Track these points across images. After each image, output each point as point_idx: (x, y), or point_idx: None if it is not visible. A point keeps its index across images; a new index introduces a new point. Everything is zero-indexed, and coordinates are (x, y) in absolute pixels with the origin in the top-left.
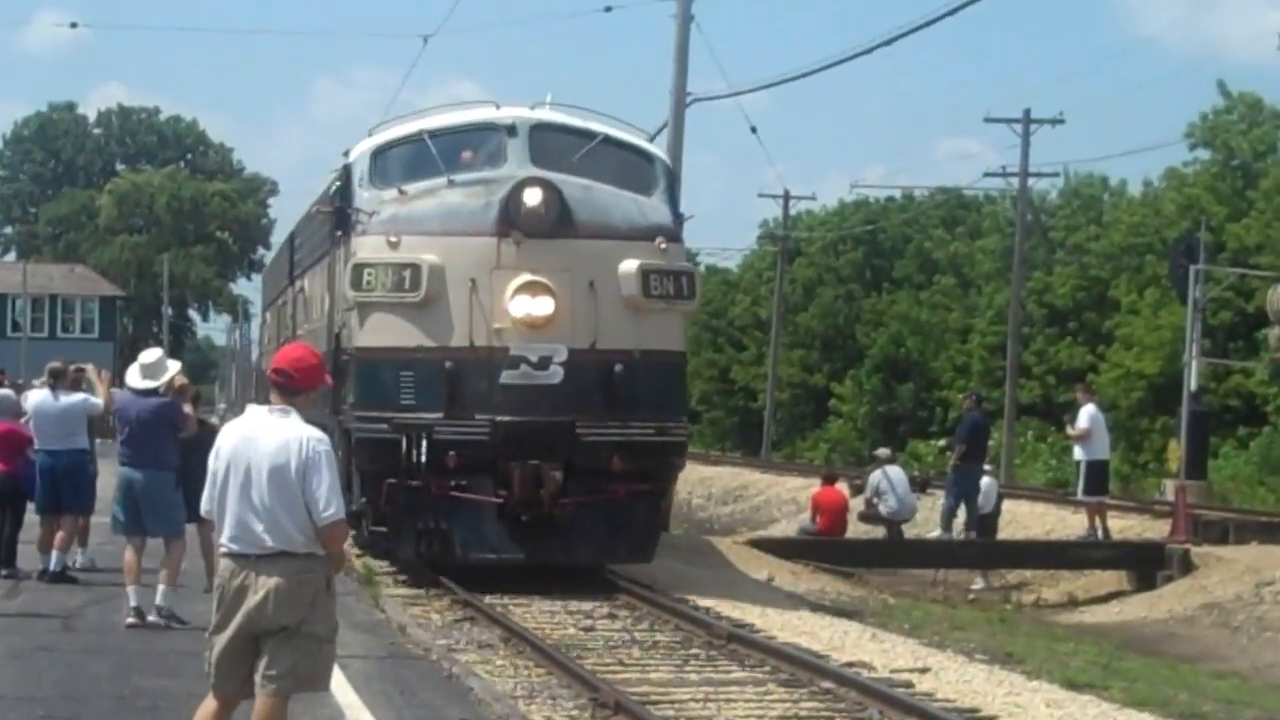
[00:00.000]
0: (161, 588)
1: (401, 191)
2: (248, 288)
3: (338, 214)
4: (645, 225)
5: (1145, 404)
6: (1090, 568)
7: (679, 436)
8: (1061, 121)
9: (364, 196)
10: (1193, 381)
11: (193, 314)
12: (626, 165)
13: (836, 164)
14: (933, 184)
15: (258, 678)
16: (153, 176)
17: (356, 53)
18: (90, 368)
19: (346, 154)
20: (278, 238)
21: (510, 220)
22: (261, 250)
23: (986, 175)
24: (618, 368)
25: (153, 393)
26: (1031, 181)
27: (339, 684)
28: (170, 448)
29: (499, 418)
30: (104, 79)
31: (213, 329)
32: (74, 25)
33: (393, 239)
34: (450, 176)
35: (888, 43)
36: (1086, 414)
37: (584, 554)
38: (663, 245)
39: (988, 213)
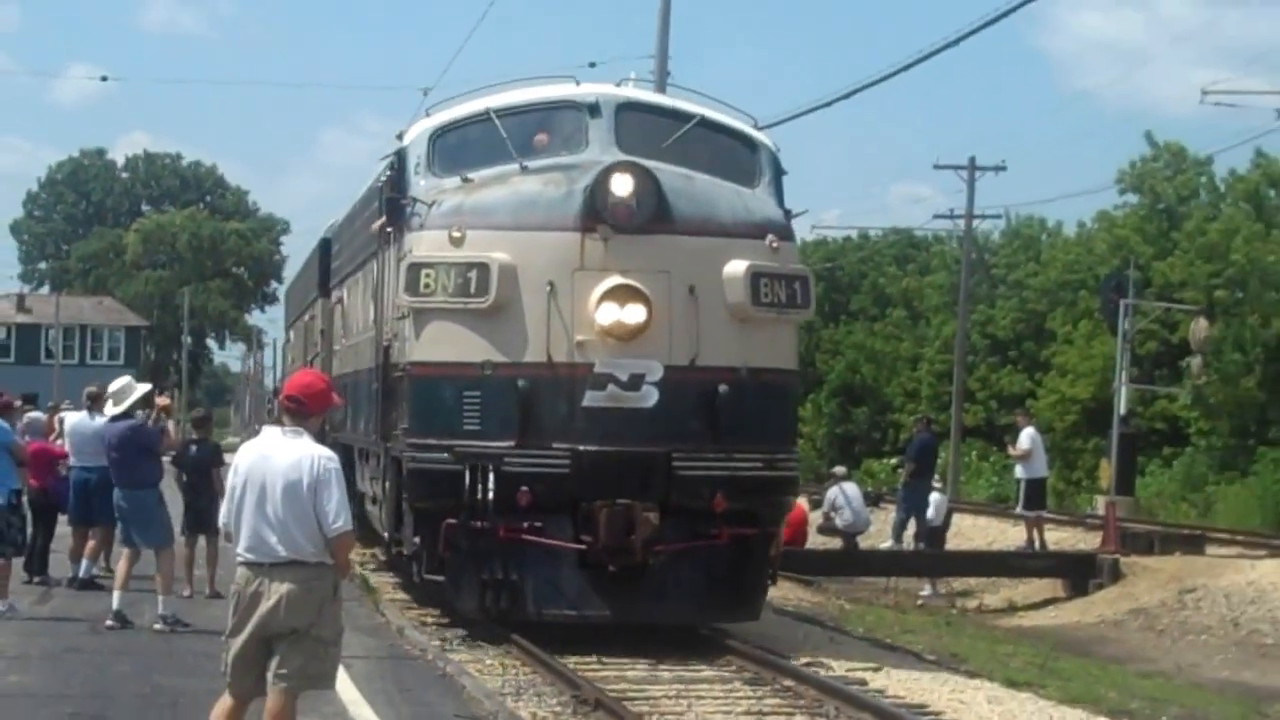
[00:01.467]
0: (160, 598)
1: (466, 179)
2: (261, 319)
3: (389, 205)
4: (754, 221)
5: (1079, 426)
6: (1028, 576)
7: (790, 470)
8: (1004, 168)
9: (421, 185)
10: (1122, 406)
11: (210, 343)
12: (726, 152)
13: (798, 206)
14: (886, 225)
15: (270, 677)
16: (175, 216)
17: (363, 103)
18: None
19: (400, 137)
20: (290, 272)
21: (597, 212)
22: (274, 284)
23: (935, 217)
24: (722, 389)
25: (125, 416)
26: (976, 223)
27: (343, 683)
28: (145, 467)
29: (581, 447)
30: (131, 127)
31: (229, 357)
32: (104, 78)
33: (456, 233)
34: (523, 162)
35: (845, 96)
36: (1027, 435)
37: (681, 611)
38: (774, 244)
39: (936, 251)
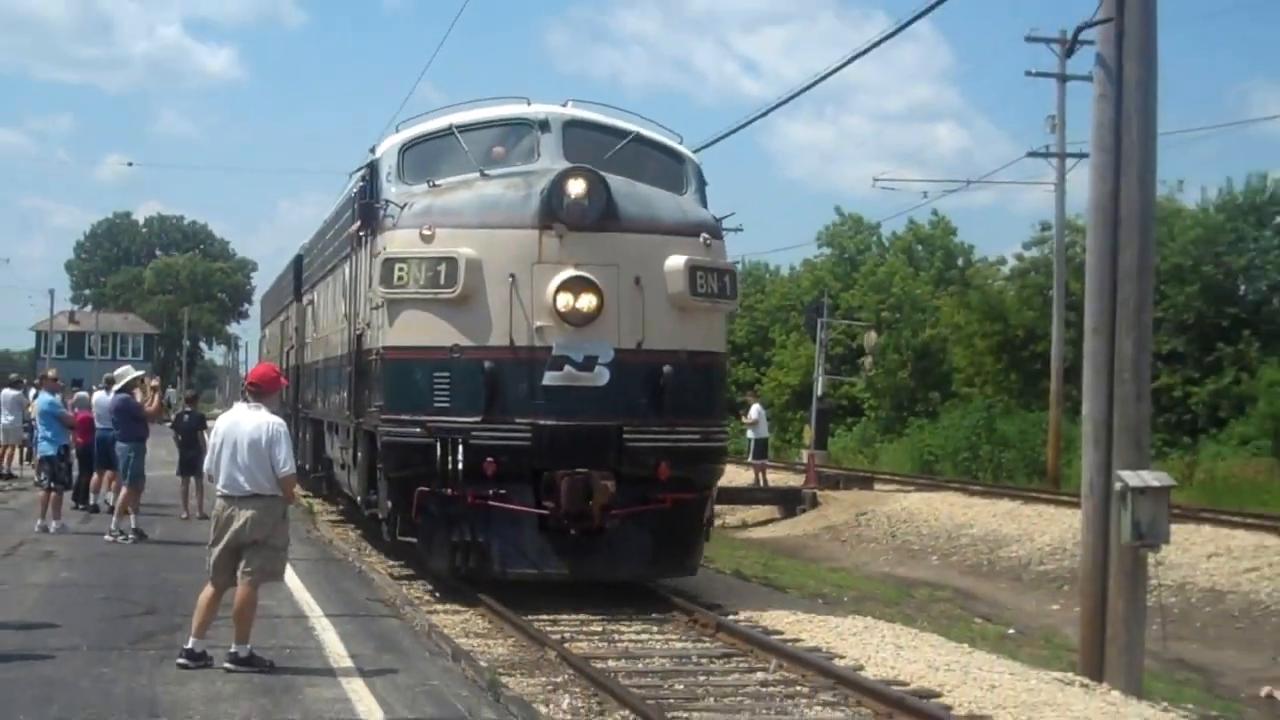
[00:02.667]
0: (115, 516)
1: (433, 184)
2: (237, 329)
3: (363, 210)
4: (689, 221)
5: (790, 403)
6: (756, 504)
7: (721, 441)
8: (741, 229)
9: (393, 191)
10: (819, 389)
11: (203, 346)
12: (658, 164)
13: None
14: None
15: (239, 573)
16: (179, 259)
17: (306, 182)
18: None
19: (373, 150)
20: (258, 296)
21: (553, 212)
22: (247, 305)
23: None
24: (666, 369)
25: (123, 392)
26: None
27: (290, 577)
28: (132, 428)
29: (541, 421)
30: (149, 197)
31: (215, 355)
32: (130, 164)
33: (426, 231)
34: (484, 170)
35: None
36: (755, 409)
37: (630, 569)
38: (707, 242)
39: None
